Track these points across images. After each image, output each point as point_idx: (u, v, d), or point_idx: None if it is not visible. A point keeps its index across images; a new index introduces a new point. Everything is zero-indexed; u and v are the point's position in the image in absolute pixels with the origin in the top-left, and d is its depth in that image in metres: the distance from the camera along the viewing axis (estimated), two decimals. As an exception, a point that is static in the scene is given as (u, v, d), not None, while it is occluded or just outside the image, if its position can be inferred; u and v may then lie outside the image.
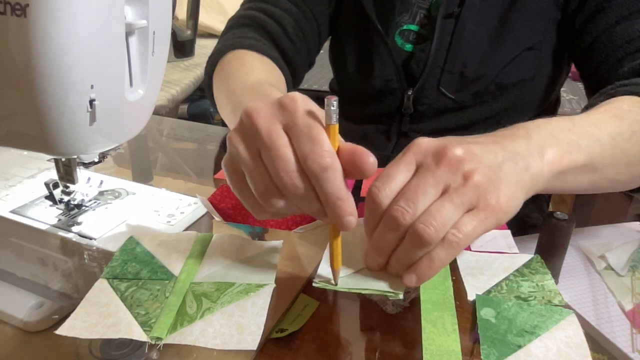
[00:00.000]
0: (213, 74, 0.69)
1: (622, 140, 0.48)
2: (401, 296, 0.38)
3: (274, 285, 0.41)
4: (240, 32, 0.73)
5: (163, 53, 0.54)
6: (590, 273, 0.54)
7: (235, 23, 0.76)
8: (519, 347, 0.35)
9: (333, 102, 0.35)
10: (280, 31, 0.74)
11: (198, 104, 2.10)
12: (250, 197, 0.38)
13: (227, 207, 0.58)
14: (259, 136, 0.36)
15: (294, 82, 0.78)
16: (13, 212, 0.56)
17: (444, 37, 0.73)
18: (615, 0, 0.65)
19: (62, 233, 0.53)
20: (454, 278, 0.42)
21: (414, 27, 0.77)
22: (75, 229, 0.53)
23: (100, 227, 0.53)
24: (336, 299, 0.46)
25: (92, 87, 0.44)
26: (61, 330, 0.37)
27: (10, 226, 0.55)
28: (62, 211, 0.56)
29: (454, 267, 0.44)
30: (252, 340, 0.36)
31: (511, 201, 0.38)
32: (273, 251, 0.46)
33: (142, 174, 0.78)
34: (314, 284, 0.40)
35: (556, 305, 0.39)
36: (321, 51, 0.85)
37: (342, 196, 0.35)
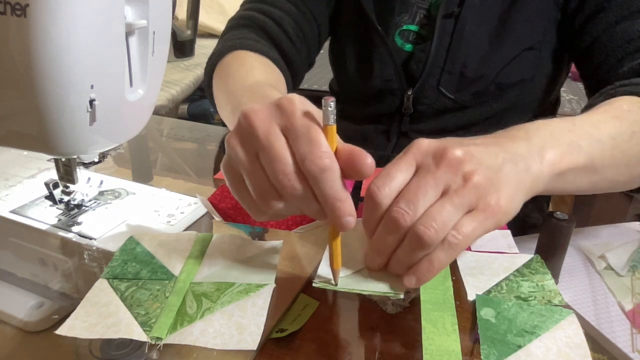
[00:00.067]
0: (213, 75, 0.69)
1: (622, 140, 0.48)
2: (402, 296, 0.38)
3: (274, 285, 0.41)
4: (240, 33, 0.73)
5: (163, 53, 0.54)
6: (590, 273, 0.54)
7: (235, 24, 0.76)
8: (519, 347, 0.35)
9: (330, 103, 0.35)
10: (280, 32, 0.74)
11: (198, 104, 2.10)
12: (249, 198, 0.38)
13: (227, 207, 0.58)
14: (256, 138, 0.36)
15: (293, 83, 0.78)
16: (13, 212, 0.56)
17: (443, 37, 0.73)
18: (615, 0, 0.65)
19: (62, 233, 0.53)
20: (454, 278, 0.42)
21: (413, 27, 0.77)
22: (75, 229, 0.53)
23: (100, 227, 0.53)
24: (336, 299, 0.46)
25: (92, 87, 0.44)
26: (61, 330, 0.37)
27: (10, 226, 0.55)
28: (62, 211, 0.56)
29: (454, 267, 0.44)
30: (252, 340, 0.36)
31: (511, 202, 0.38)
32: (273, 251, 0.46)
33: (142, 174, 0.78)
34: (314, 284, 0.40)
35: (556, 305, 0.39)
36: (321, 51, 0.85)
37: (340, 197, 0.35)
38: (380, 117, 0.82)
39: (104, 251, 0.50)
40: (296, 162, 0.35)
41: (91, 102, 0.45)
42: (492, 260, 0.45)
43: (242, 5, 0.80)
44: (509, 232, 0.51)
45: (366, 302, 0.45)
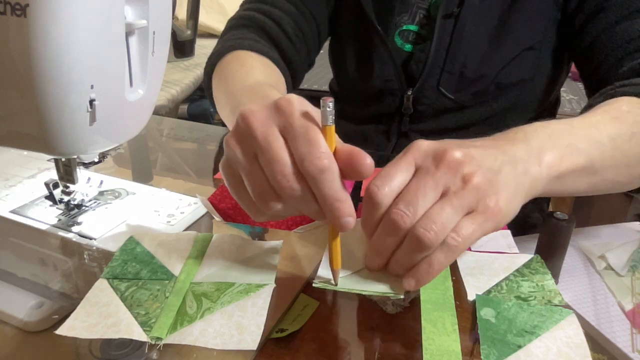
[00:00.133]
0: (212, 75, 0.69)
1: (621, 141, 0.48)
2: (402, 296, 0.38)
3: (274, 285, 0.41)
4: (240, 33, 0.73)
5: (163, 53, 0.54)
6: (590, 273, 0.54)
7: (235, 24, 0.76)
8: (519, 347, 0.35)
9: (329, 104, 0.35)
10: (280, 32, 0.74)
11: (198, 104, 2.10)
12: (248, 199, 0.38)
13: (227, 207, 0.58)
14: (255, 139, 0.36)
15: (293, 83, 0.78)
16: (13, 212, 0.56)
17: (443, 37, 0.73)
18: (615, 0, 0.65)
19: (62, 233, 0.53)
20: (454, 278, 0.42)
21: (413, 28, 0.77)
22: (75, 229, 0.53)
23: (100, 227, 0.53)
24: (336, 299, 0.46)
25: (92, 87, 0.44)
26: (61, 330, 0.37)
27: (10, 226, 0.55)
28: (62, 211, 0.56)
29: (454, 267, 0.44)
30: (252, 340, 0.36)
31: (510, 204, 0.38)
32: (273, 251, 0.46)
33: (142, 174, 0.78)
34: (314, 285, 0.40)
35: (556, 305, 0.39)
36: (321, 51, 0.85)
37: (340, 197, 0.35)
38: (380, 117, 0.82)
39: (104, 251, 0.50)
40: (295, 163, 0.35)
41: (91, 102, 0.45)
42: (492, 260, 0.45)
43: (241, 5, 0.80)
44: (509, 232, 0.51)
45: (366, 302, 0.45)
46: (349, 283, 0.40)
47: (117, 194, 0.61)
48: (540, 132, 0.44)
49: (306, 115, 0.36)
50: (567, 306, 0.39)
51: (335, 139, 0.37)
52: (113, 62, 0.46)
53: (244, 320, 0.38)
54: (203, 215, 0.57)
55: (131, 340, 0.37)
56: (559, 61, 0.76)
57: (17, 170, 0.65)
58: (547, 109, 0.83)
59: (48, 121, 0.44)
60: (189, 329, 0.37)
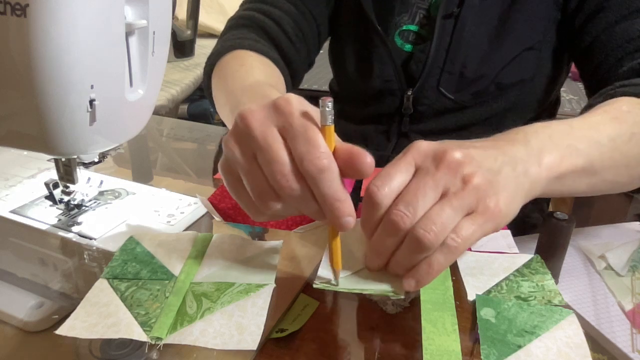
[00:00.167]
0: (212, 75, 0.69)
1: (621, 142, 0.48)
2: (402, 296, 0.38)
3: (274, 285, 0.41)
4: (240, 33, 0.73)
5: (163, 53, 0.54)
6: (590, 273, 0.54)
7: (235, 24, 0.76)
8: (519, 347, 0.35)
9: (328, 103, 0.35)
10: (280, 32, 0.74)
11: (198, 104, 2.10)
12: (247, 199, 0.38)
13: (227, 207, 0.58)
14: (253, 139, 0.36)
15: (293, 83, 0.78)
16: (13, 212, 0.56)
17: (443, 37, 0.73)
18: (615, 0, 0.65)
19: (62, 233, 0.53)
20: (454, 278, 0.42)
21: (413, 28, 0.77)
22: (75, 229, 0.53)
23: (100, 227, 0.53)
24: (336, 299, 0.46)
25: (92, 87, 0.44)
26: (61, 330, 0.37)
27: (10, 226, 0.55)
28: (62, 211, 0.56)
29: (454, 267, 0.44)
30: (252, 340, 0.36)
31: (510, 205, 0.38)
32: (273, 251, 0.46)
33: (142, 174, 0.78)
34: (314, 286, 0.40)
35: (556, 305, 0.39)
36: (321, 51, 0.85)
37: (339, 197, 0.35)
38: (380, 118, 0.82)
39: (104, 251, 0.50)
40: (294, 162, 0.35)
41: (91, 102, 0.45)
42: (492, 260, 0.45)
43: (241, 5, 0.80)
44: (509, 232, 0.51)
45: (366, 302, 0.45)
46: (349, 283, 0.40)
47: (117, 194, 0.61)
48: (540, 133, 0.44)
49: (305, 114, 0.36)
50: (567, 306, 0.39)
51: (335, 138, 0.37)
52: (113, 62, 0.46)
53: (244, 320, 0.38)
54: (203, 215, 0.57)
55: (131, 340, 0.37)
56: (559, 61, 0.76)
57: (17, 170, 0.66)
58: (547, 109, 0.83)
59: (48, 121, 0.44)
60: (189, 329, 0.37)
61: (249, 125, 0.36)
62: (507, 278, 0.43)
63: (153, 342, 0.36)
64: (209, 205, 0.57)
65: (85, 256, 0.51)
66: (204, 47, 1.81)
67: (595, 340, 0.45)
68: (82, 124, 0.46)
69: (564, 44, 0.73)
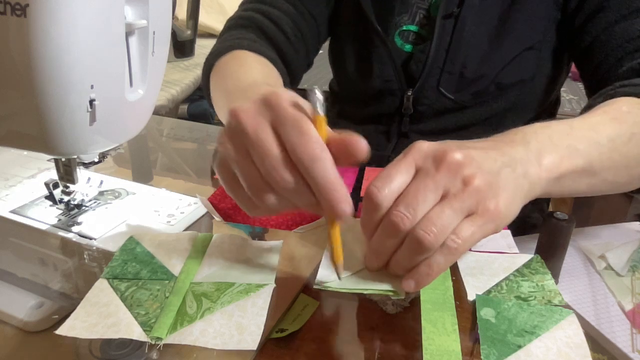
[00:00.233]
0: (210, 75, 0.69)
1: (621, 142, 0.48)
2: (402, 296, 0.38)
3: (274, 285, 0.41)
4: (238, 34, 0.73)
5: (163, 53, 0.54)
6: (590, 273, 0.54)
7: (233, 24, 0.76)
8: (519, 347, 0.35)
9: (317, 92, 0.35)
10: (278, 32, 0.74)
11: (198, 104, 2.10)
12: (243, 195, 0.39)
13: (227, 207, 0.58)
14: (245, 134, 0.36)
15: (292, 83, 0.78)
16: (13, 212, 0.56)
17: (443, 37, 0.73)
18: (615, 0, 0.65)
19: (62, 233, 0.53)
20: (454, 278, 0.42)
21: (413, 28, 0.77)
22: (75, 229, 0.53)
23: (100, 227, 0.53)
24: (336, 299, 0.46)
25: (92, 87, 0.44)
26: (61, 330, 0.37)
27: (10, 226, 0.55)
28: (62, 211, 0.56)
29: (454, 267, 0.44)
30: (252, 340, 0.36)
31: (509, 207, 0.38)
32: (273, 251, 0.46)
33: (142, 174, 0.78)
34: (314, 286, 0.40)
35: (556, 305, 0.39)
36: (321, 51, 0.85)
37: (334, 185, 0.35)
38: (380, 118, 0.82)
39: (104, 251, 0.50)
40: (287, 154, 0.35)
41: (91, 102, 0.45)
42: (492, 260, 0.45)
43: (240, 6, 0.80)
44: (508, 232, 0.51)
45: (366, 302, 0.45)
46: (349, 283, 0.40)
47: (117, 194, 0.61)
48: (539, 134, 0.44)
49: (296, 106, 0.36)
50: (567, 306, 0.39)
51: (327, 129, 0.37)
52: (113, 62, 0.46)
53: (244, 320, 0.38)
54: (203, 215, 0.57)
55: (131, 340, 0.37)
56: (559, 61, 0.76)
57: (17, 170, 0.65)
58: (547, 109, 0.83)
59: (48, 121, 0.44)
60: (189, 329, 0.37)
61: (240, 122, 0.37)
62: (507, 278, 0.43)
63: (153, 342, 0.36)
64: (209, 205, 0.57)
65: (85, 256, 0.51)
66: (204, 47, 1.81)
67: (595, 340, 0.45)
68: (82, 124, 0.46)
69: (564, 43, 0.73)
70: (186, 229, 0.55)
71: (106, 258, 0.49)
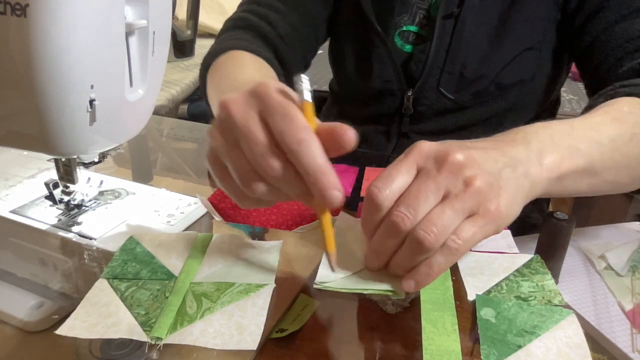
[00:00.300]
0: (207, 76, 0.70)
1: (622, 142, 0.48)
2: (402, 296, 0.38)
3: (274, 285, 0.41)
4: (235, 34, 0.73)
5: (163, 53, 0.54)
6: (590, 273, 0.54)
7: (230, 25, 0.76)
8: (519, 347, 0.35)
9: (302, 79, 0.35)
10: (274, 34, 0.75)
11: (198, 104, 2.09)
12: (233, 186, 0.39)
13: (227, 207, 0.58)
14: (234, 125, 0.36)
15: (288, 83, 0.78)
16: (13, 212, 0.56)
17: (443, 37, 0.73)
18: (615, 0, 0.65)
19: (62, 233, 0.53)
20: (454, 278, 0.42)
21: (413, 28, 0.77)
22: (75, 229, 0.53)
23: (100, 227, 0.53)
24: (336, 299, 0.46)
25: (92, 87, 0.44)
26: (61, 330, 0.37)
27: (10, 226, 0.55)
28: (62, 211, 0.56)
29: (454, 267, 0.44)
30: (252, 340, 0.36)
31: (510, 207, 0.38)
32: (273, 251, 0.46)
33: (142, 174, 0.78)
34: (314, 286, 0.40)
35: (556, 305, 0.39)
36: (321, 51, 0.85)
37: (323, 170, 0.35)
38: (380, 118, 0.82)
39: (104, 251, 0.50)
40: (275, 142, 0.35)
41: (91, 102, 0.45)
42: (492, 260, 0.45)
43: (238, 7, 0.81)
44: (508, 232, 0.51)
45: (366, 302, 0.45)
46: (349, 283, 0.40)
47: (117, 194, 0.61)
48: (540, 133, 0.44)
49: (282, 93, 0.36)
50: (567, 306, 0.39)
51: (314, 117, 0.37)
52: (113, 62, 0.46)
53: (244, 320, 0.38)
54: (203, 215, 0.57)
55: (131, 340, 0.37)
56: (559, 61, 0.76)
57: (17, 170, 0.65)
58: (547, 109, 0.83)
59: (48, 121, 0.44)
60: (189, 329, 0.37)
61: (229, 113, 0.37)
62: (507, 278, 0.43)
63: (153, 342, 0.36)
64: (209, 205, 0.57)
65: (85, 256, 0.51)
66: (204, 47, 1.81)
67: (595, 340, 0.45)
68: (82, 124, 0.46)
69: (564, 44, 0.73)
70: (186, 229, 0.54)
71: (106, 258, 0.49)
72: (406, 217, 0.36)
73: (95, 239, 0.52)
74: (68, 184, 0.55)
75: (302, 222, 0.55)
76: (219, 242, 0.48)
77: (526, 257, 0.45)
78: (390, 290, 0.39)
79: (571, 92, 1.51)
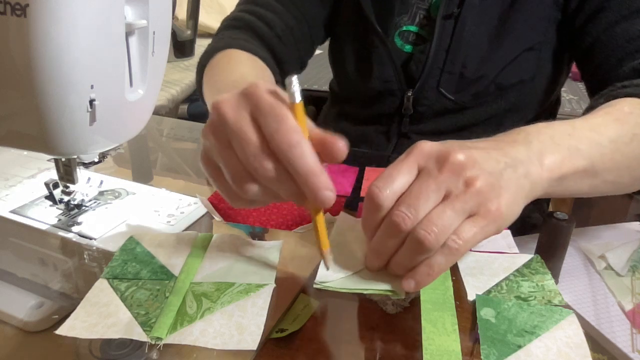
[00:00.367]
0: (203, 74, 0.70)
1: (622, 143, 0.48)
2: (402, 296, 0.38)
3: (274, 285, 0.41)
4: (232, 34, 0.73)
5: (163, 53, 0.54)
6: (590, 273, 0.54)
7: (227, 25, 0.77)
8: (519, 347, 0.35)
9: (293, 80, 0.35)
10: (271, 34, 0.75)
11: (198, 104, 2.09)
12: (226, 186, 0.39)
13: (227, 207, 0.58)
14: (226, 125, 0.36)
15: (284, 83, 0.78)
16: (13, 212, 0.56)
17: (443, 38, 0.73)
18: (615, 0, 0.65)
19: (62, 233, 0.53)
20: (454, 278, 0.42)
21: (413, 28, 0.77)
22: (75, 229, 0.53)
23: (100, 227, 0.53)
24: (336, 299, 0.46)
25: (92, 87, 0.44)
26: (61, 330, 0.37)
27: (10, 226, 0.55)
28: (62, 211, 0.56)
29: (454, 267, 0.44)
30: (252, 340, 0.36)
31: (511, 208, 0.38)
32: (273, 251, 0.46)
33: (142, 174, 0.78)
34: (314, 285, 0.40)
35: (556, 305, 0.39)
36: (321, 51, 0.85)
37: (314, 171, 0.35)
38: (380, 118, 0.82)
39: (104, 251, 0.50)
40: (267, 142, 0.35)
41: (91, 102, 0.45)
42: (492, 260, 0.45)
43: (236, 6, 0.81)
44: (508, 232, 0.51)
45: (366, 302, 0.45)
46: (349, 283, 0.40)
47: (117, 194, 0.61)
48: (541, 134, 0.44)
49: (273, 94, 0.36)
50: (567, 306, 0.39)
51: (306, 118, 0.37)
52: (113, 62, 0.46)
53: (244, 320, 0.38)
54: (203, 215, 0.57)
55: (131, 340, 0.37)
56: (559, 61, 0.76)
57: (17, 170, 0.65)
58: (548, 110, 0.83)
59: (48, 121, 0.44)
60: (189, 329, 0.37)
61: (221, 114, 0.37)
62: (507, 278, 0.43)
63: (153, 342, 0.36)
64: (209, 205, 0.57)
65: (85, 256, 0.51)
66: (204, 47, 1.80)
67: (595, 340, 0.45)
68: (82, 124, 0.46)
69: (564, 44, 0.73)
70: (186, 229, 0.54)
71: (106, 258, 0.49)
72: (407, 217, 0.36)
73: (95, 239, 0.52)
74: (68, 184, 0.55)
75: (302, 222, 0.55)
76: (219, 242, 0.48)
77: (526, 257, 0.45)
78: (390, 290, 0.39)
79: (571, 92, 1.51)
